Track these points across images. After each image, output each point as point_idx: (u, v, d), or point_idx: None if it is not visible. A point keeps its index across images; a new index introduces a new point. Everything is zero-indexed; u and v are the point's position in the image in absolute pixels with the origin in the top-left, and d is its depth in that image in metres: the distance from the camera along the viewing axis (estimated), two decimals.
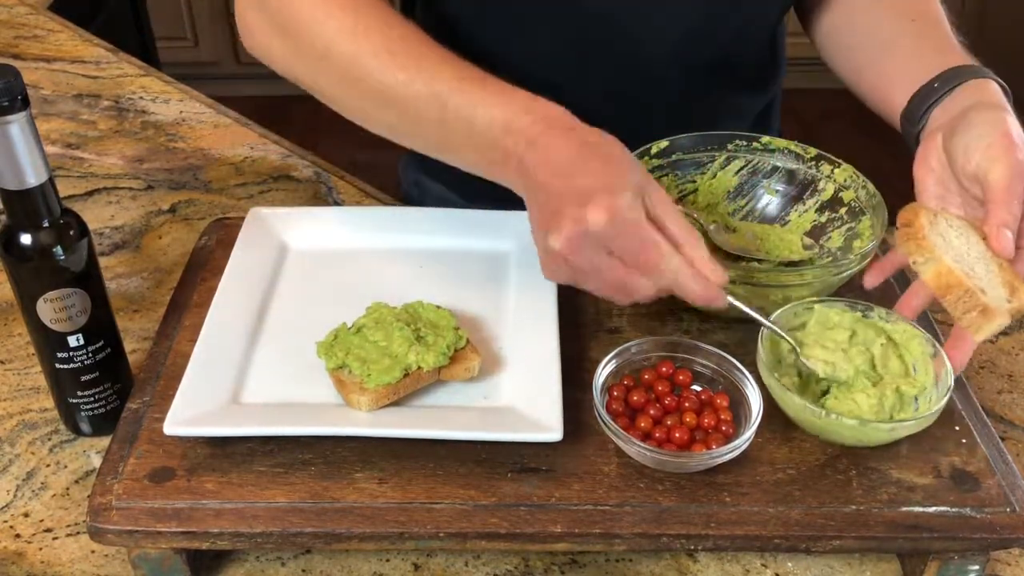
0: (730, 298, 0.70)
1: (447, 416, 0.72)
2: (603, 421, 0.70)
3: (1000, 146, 0.73)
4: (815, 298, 0.78)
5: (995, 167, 0.72)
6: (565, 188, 0.67)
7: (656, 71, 0.95)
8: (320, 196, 1.12)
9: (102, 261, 0.85)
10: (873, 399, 0.71)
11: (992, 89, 0.80)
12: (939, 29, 0.89)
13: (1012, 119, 0.77)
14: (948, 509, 0.67)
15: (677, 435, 0.71)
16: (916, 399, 0.72)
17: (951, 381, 0.70)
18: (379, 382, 0.70)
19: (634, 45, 0.93)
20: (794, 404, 0.70)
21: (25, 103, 0.65)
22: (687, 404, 0.73)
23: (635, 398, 0.73)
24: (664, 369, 0.76)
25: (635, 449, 0.68)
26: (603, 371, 0.73)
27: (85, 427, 0.80)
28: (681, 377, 0.76)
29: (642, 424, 0.72)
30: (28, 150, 0.66)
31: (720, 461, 0.69)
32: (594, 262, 0.67)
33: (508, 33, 0.93)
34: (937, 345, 0.73)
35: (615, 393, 0.74)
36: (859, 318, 0.76)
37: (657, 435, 0.71)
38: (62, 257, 0.71)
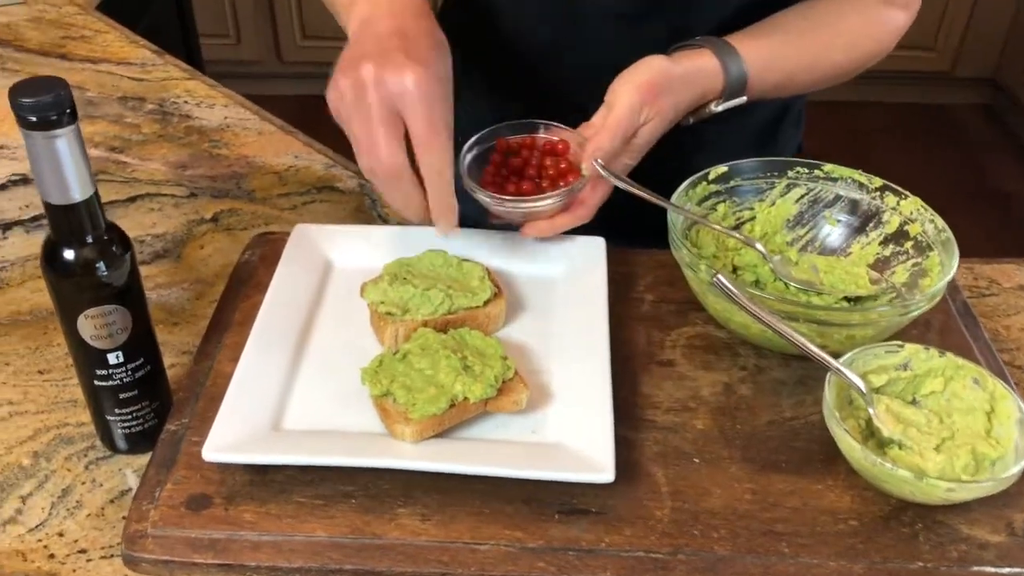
0: (722, 278, 0.72)
1: (493, 451, 0.69)
2: (470, 189, 0.81)
3: (633, 85, 0.81)
4: (898, 342, 0.74)
5: (619, 100, 0.81)
6: (356, 42, 0.76)
7: (601, 33, 0.96)
8: (364, 209, 1.10)
9: (142, 270, 0.83)
10: (942, 455, 0.67)
11: (699, 55, 0.86)
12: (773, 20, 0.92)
13: (667, 69, 0.83)
14: (1023, 571, 0.63)
15: (525, 187, 0.82)
16: (994, 463, 0.68)
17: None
18: (424, 412, 0.68)
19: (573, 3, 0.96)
20: (852, 449, 0.67)
21: (73, 117, 0.63)
22: (548, 162, 0.83)
23: (514, 162, 0.84)
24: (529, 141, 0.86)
25: (484, 198, 0.80)
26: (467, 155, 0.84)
27: (121, 444, 0.78)
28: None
29: (511, 186, 0.83)
30: (74, 165, 0.64)
31: (544, 205, 0.80)
32: (350, 115, 0.73)
33: None
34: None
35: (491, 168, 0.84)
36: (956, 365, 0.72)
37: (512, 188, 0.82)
38: (104, 273, 0.69)
